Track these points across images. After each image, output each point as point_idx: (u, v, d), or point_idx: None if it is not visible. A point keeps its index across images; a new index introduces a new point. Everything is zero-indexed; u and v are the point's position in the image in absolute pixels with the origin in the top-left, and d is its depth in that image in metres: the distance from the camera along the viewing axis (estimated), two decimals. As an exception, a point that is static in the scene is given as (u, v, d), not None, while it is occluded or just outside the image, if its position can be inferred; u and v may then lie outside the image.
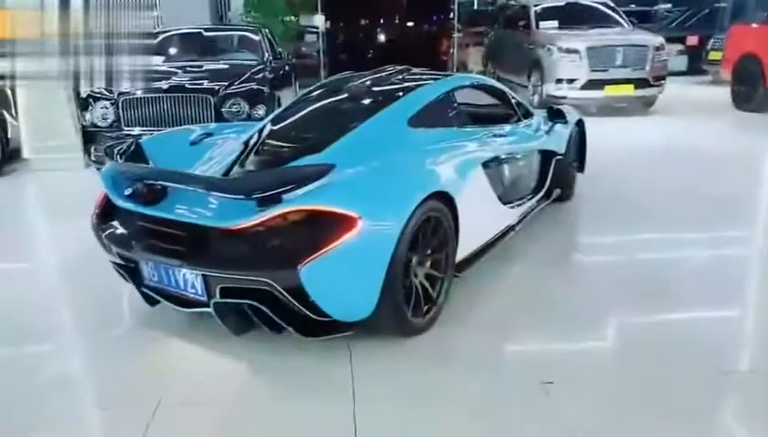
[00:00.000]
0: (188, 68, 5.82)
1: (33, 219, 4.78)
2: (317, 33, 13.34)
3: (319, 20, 13.12)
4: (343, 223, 2.26)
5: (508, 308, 2.99)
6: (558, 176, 4.08)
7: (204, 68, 5.82)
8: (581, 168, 4.77)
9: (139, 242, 2.58)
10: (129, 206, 2.59)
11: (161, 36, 6.68)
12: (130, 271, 2.70)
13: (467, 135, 3.30)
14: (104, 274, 2.97)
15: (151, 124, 4.92)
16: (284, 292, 2.27)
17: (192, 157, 3.00)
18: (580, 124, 4.65)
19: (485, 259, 3.15)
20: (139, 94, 5.00)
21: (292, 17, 12.47)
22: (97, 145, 5.05)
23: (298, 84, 8.77)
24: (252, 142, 3.02)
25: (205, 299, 2.46)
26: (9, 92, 5.69)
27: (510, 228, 3.46)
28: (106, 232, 2.70)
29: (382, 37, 19.94)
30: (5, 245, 3.99)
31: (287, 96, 7.30)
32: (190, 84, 5.23)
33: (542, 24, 9.11)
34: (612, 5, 9.60)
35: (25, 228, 4.41)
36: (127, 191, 2.62)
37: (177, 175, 2.55)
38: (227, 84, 5.26)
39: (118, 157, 2.92)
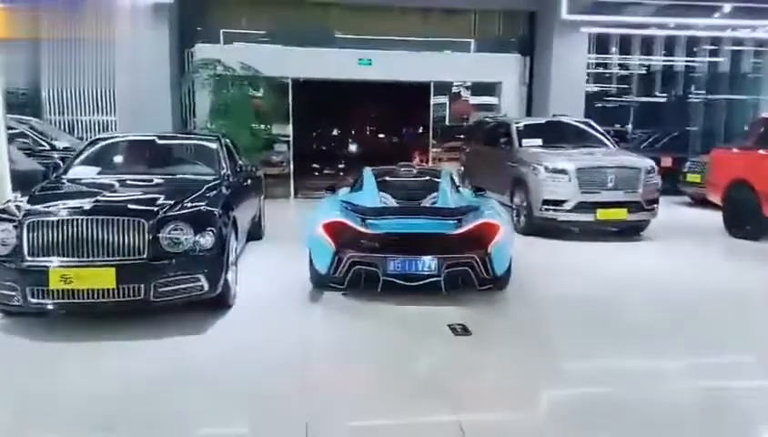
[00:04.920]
0: (128, 182, 4.92)
1: None
2: (287, 142, 12.79)
3: (290, 129, 12.61)
4: (498, 228, 4.82)
5: None
6: None
7: (145, 183, 4.92)
8: None
9: (392, 248, 4.70)
10: (379, 230, 4.78)
11: (100, 144, 5.79)
12: (376, 268, 4.69)
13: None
14: None
15: (63, 253, 3.89)
16: (479, 262, 4.70)
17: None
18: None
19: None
20: (52, 215, 3.98)
21: (262, 126, 11.92)
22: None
23: (263, 197, 7.94)
24: (384, 196, 5.37)
25: (437, 272, 4.66)
26: None
27: None
28: (352, 252, 4.73)
29: (354, 148, 19.78)
30: None
31: (248, 213, 6.42)
32: (120, 203, 4.29)
33: (525, 141, 8.65)
34: (595, 124, 9.30)
35: None
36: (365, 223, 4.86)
37: (411, 208, 5.18)
38: (170, 203, 4.33)
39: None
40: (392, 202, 5.26)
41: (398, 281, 4.70)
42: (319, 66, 12.08)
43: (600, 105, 13.46)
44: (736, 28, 12.80)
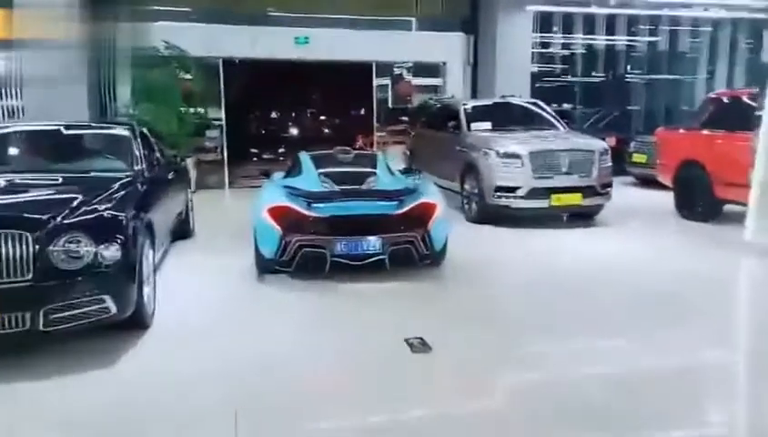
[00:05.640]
0: (14, 183, 4.09)
1: None
2: (220, 127, 11.90)
3: (222, 113, 11.72)
4: (435, 206, 5.13)
5: None
6: None
7: (37, 185, 4.12)
8: None
9: (338, 230, 4.89)
10: (325, 214, 4.95)
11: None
12: (323, 249, 4.85)
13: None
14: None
15: None
16: (420, 240, 4.96)
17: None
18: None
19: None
20: None
21: (191, 110, 10.98)
22: None
23: (192, 190, 7.18)
24: (324, 180, 5.44)
25: (381, 251, 4.90)
26: None
27: None
28: (298, 236, 4.86)
29: (293, 132, 18.88)
30: None
31: (171, 212, 5.67)
32: (-2, 212, 3.51)
33: (474, 124, 8.20)
34: (544, 105, 8.95)
35: None
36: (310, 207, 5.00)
37: (354, 191, 5.31)
38: (65, 209, 3.57)
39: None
40: (333, 186, 5.35)
41: (344, 261, 4.88)
42: (253, 46, 11.22)
43: (541, 85, 13.21)
44: (674, 7, 12.80)
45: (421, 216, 5.02)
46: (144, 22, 11.10)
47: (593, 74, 14.23)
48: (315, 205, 4.97)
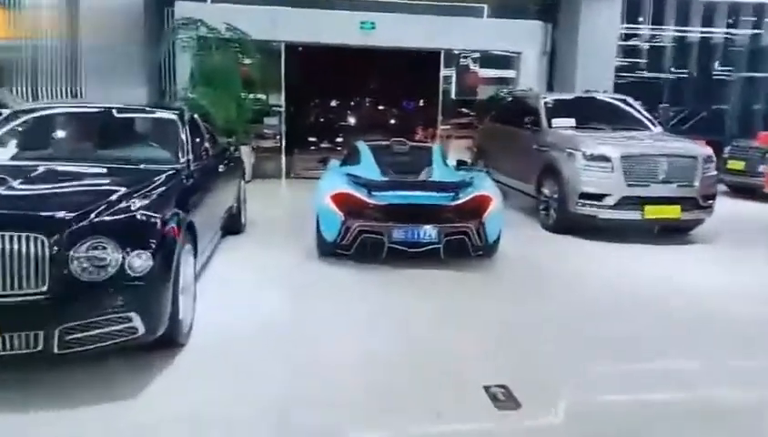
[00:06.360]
0: (39, 173, 3.62)
1: None
2: (279, 114, 11.45)
3: (282, 100, 11.25)
4: (491, 199, 5.21)
5: None
6: None
7: (65, 176, 3.65)
8: None
9: (396, 218, 5.01)
10: (384, 201, 5.06)
11: (21, 118, 4.40)
12: (381, 236, 4.98)
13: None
14: None
15: None
16: (474, 231, 5.06)
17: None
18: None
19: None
20: None
21: (250, 95, 10.56)
22: None
23: (244, 181, 6.68)
24: (384, 169, 5.74)
25: (437, 240, 5.00)
26: None
27: None
28: (359, 221, 4.99)
29: (353, 122, 18.34)
30: None
31: (219, 208, 5.16)
32: (11, 208, 3.01)
33: (555, 121, 7.34)
34: (633, 102, 7.97)
35: None
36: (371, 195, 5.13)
37: (413, 181, 5.58)
38: (92, 208, 3.06)
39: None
40: (392, 176, 5.60)
41: (401, 248, 5.02)
42: (316, 30, 10.67)
43: (615, 81, 12.05)
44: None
45: (477, 208, 5.14)
46: (207, 1, 10.79)
47: (673, 69, 12.93)
48: (375, 193, 5.12)
